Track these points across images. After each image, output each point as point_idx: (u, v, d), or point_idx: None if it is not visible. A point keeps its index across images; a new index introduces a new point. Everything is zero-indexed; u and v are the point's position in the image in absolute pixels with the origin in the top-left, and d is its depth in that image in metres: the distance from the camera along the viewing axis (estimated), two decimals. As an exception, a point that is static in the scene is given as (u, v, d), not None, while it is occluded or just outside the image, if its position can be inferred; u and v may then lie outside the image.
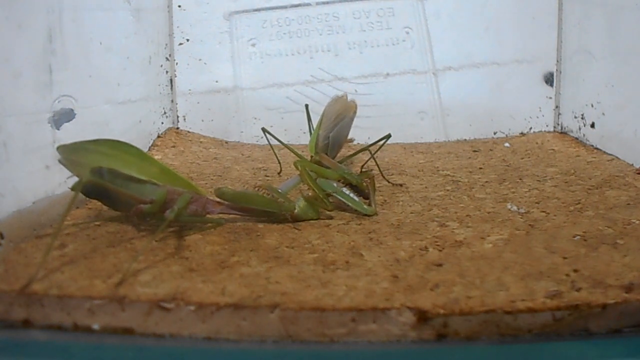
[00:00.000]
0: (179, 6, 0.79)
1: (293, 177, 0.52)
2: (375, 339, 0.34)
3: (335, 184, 0.51)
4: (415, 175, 0.62)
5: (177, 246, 0.43)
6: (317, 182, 0.50)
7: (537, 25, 0.79)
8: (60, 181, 0.53)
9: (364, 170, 0.61)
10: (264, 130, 0.61)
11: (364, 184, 0.52)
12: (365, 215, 0.50)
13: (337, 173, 0.53)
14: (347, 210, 0.51)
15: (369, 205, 0.51)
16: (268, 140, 0.62)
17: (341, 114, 0.61)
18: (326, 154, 0.58)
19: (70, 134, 0.55)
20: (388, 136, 0.60)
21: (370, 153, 0.60)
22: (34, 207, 0.50)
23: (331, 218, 0.49)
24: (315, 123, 0.61)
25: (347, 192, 0.50)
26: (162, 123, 0.77)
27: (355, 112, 0.64)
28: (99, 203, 0.48)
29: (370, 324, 0.34)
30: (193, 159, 0.70)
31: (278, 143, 0.61)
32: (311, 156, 0.58)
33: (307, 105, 0.64)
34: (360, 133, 0.67)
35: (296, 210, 0.48)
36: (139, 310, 0.35)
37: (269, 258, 0.41)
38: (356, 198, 0.50)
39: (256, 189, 0.49)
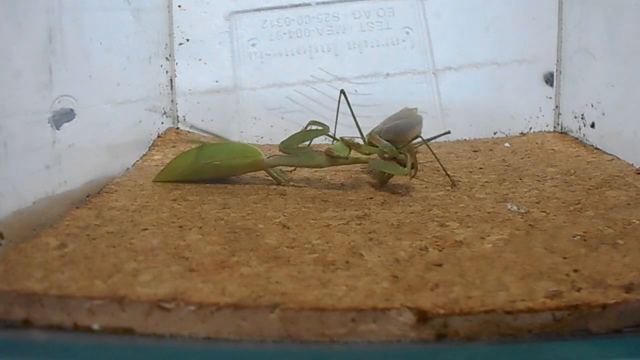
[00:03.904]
0: (179, 6, 0.79)
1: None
2: (375, 339, 0.34)
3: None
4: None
5: (177, 246, 0.43)
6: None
7: (537, 25, 0.80)
8: (60, 181, 0.53)
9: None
10: (342, 91, 0.63)
11: (402, 155, 0.58)
12: (399, 175, 0.57)
13: (380, 149, 0.59)
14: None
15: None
16: (347, 100, 0.63)
17: (403, 117, 0.65)
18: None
19: (70, 134, 0.55)
20: (447, 132, 0.63)
21: (428, 147, 0.64)
22: (34, 207, 0.50)
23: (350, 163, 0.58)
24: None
25: (384, 162, 0.59)
26: (162, 123, 0.77)
27: (420, 124, 0.65)
28: (99, 203, 0.48)
29: (370, 324, 0.34)
30: (193, 159, 0.70)
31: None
32: (366, 139, 0.63)
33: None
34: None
35: (331, 148, 0.57)
36: (139, 310, 0.35)
37: (269, 258, 0.41)
38: (391, 164, 0.58)
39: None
